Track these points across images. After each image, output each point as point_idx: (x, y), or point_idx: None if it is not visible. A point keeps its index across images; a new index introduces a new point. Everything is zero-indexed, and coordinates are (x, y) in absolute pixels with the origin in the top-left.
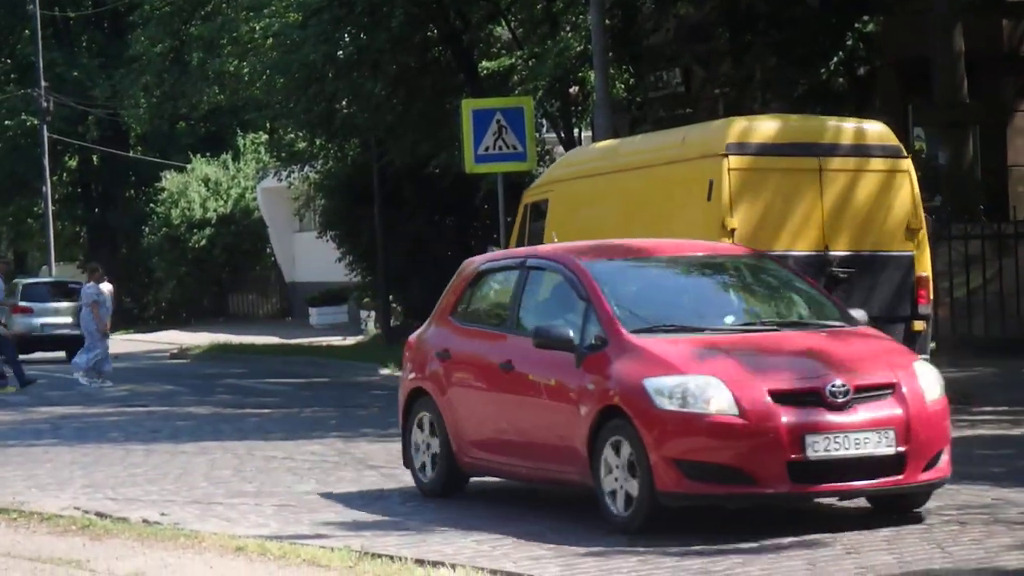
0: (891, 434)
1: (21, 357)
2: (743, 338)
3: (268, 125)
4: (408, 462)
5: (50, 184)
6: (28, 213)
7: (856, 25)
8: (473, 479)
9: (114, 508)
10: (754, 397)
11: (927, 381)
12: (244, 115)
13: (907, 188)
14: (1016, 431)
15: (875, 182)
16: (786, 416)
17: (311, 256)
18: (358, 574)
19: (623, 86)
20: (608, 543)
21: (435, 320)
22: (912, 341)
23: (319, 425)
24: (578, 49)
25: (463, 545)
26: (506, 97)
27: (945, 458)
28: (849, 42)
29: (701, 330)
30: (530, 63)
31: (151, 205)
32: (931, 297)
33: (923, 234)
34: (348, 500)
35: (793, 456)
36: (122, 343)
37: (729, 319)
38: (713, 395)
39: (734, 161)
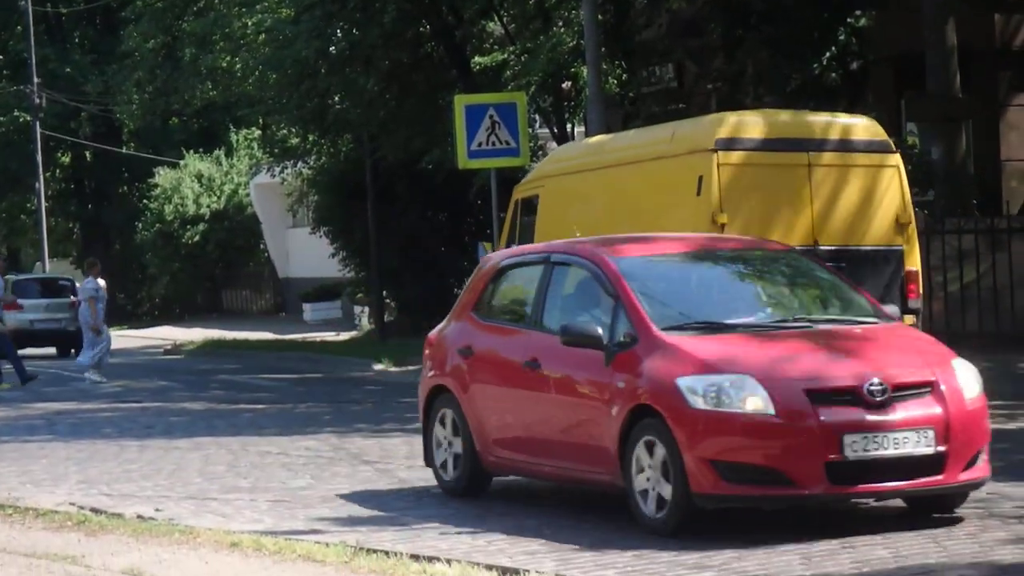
0: (930, 434)
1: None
2: (776, 335)
3: (261, 121)
4: (429, 461)
5: (43, 180)
6: (21, 209)
7: (849, 20)
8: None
9: (109, 504)
10: (790, 396)
11: (966, 379)
12: (237, 111)
13: (896, 183)
14: (1011, 425)
15: (864, 177)
16: (824, 415)
17: (304, 252)
18: (353, 569)
19: (616, 81)
20: (603, 538)
21: (456, 316)
22: None
23: (313, 421)
24: (571, 44)
25: (458, 540)
26: (499, 93)
27: (984, 458)
28: (842, 37)
29: (733, 327)
30: (523, 59)
31: (144, 201)
32: (921, 291)
33: (912, 228)
34: (343, 495)
35: (831, 456)
36: (116, 339)
37: (761, 316)
38: (748, 394)
39: (723, 156)
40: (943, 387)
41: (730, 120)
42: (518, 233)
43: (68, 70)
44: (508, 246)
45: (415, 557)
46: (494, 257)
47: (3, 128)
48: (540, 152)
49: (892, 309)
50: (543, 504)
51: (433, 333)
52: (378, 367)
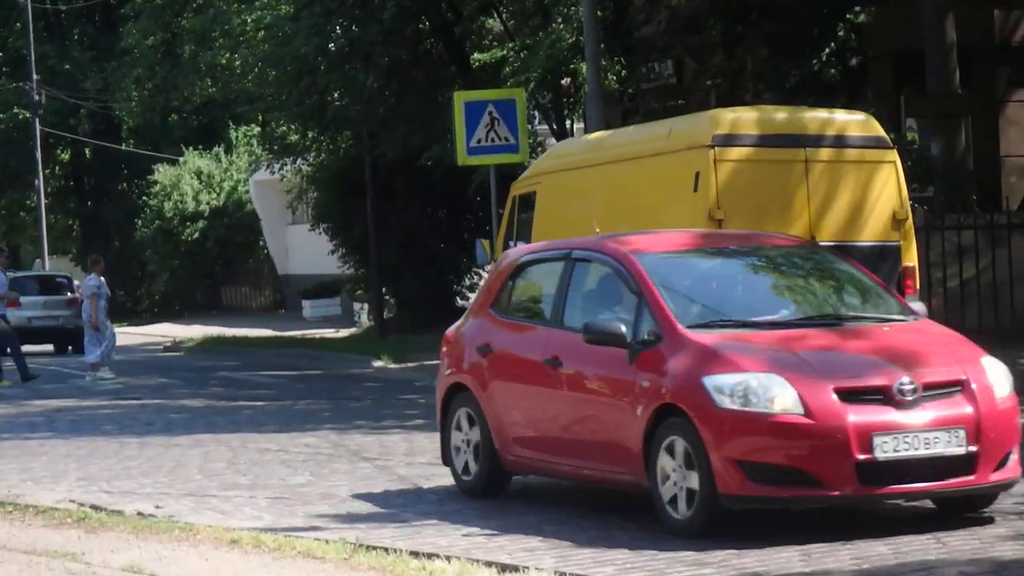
0: (961, 433)
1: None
2: (803, 333)
3: (260, 118)
4: (447, 460)
5: (42, 177)
6: (20, 206)
7: (848, 16)
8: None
9: (109, 501)
10: (820, 395)
11: (996, 377)
12: (236, 108)
13: (893, 179)
14: None
15: (861, 173)
16: (853, 415)
17: (304, 248)
18: (353, 566)
19: (615, 78)
20: (602, 535)
21: (473, 313)
22: None
23: (313, 417)
24: (570, 41)
25: (458, 537)
26: (498, 89)
27: (1014, 458)
28: (841, 33)
29: (758, 325)
30: (522, 55)
31: (144, 198)
32: (918, 287)
33: (909, 224)
34: (342, 492)
35: (861, 457)
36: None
37: (787, 313)
38: (777, 393)
39: (720, 153)
40: (974, 386)
41: (727, 116)
42: (516, 230)
43: (67, 67)
44: (506, 243)
45: (414, 554)
46: (513, 254)
47: (2, 125)
48: (539, 148)
49: (919, 306)
50: (543, 501)
51: (450, 330)
52: (377, 364)
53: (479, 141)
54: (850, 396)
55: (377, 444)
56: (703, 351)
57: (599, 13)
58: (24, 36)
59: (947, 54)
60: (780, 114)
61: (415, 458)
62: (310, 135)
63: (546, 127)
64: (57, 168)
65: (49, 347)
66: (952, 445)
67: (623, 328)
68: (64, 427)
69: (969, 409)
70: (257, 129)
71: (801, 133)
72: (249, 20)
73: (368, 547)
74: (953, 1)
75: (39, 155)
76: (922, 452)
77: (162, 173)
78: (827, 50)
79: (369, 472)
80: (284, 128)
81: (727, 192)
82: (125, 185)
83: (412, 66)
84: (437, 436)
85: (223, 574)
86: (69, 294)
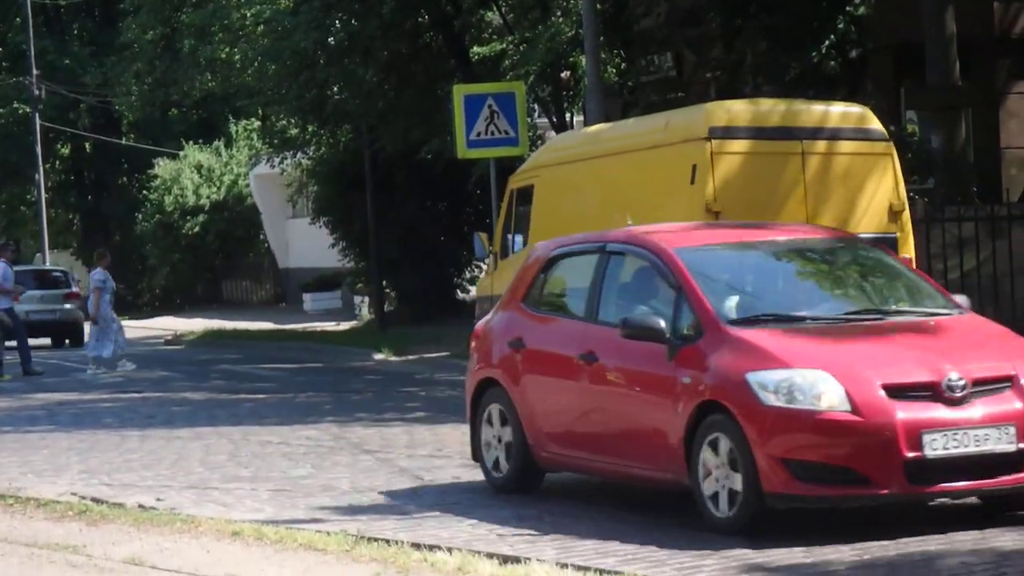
0: (1011, 430)
1: (7, 344)
2: (847, 328)
3: (260, 112)
4: (478, 456)
5: (43, 172)
6: (21, 201)
7: (848, 8)
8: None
9: (110, 494)
10: (867, 392)
11: None
12: (236, 102)
13: (890, 171)
14: None
15: (858, 165)
16: (902, 412)
17: (304, 242)
18: (355, 558)
19: (614, 71)
20: (604, 528)
21: (503, 307)
22: None
23: (314, 410)
24: (569, 34)
25: (459, 529)
26: (498, 82)
27: None
28: (841, 25)
29: (802, 319)
30: (521, 48)
31: (144, 192)
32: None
33: (906, 216)
34: (344, 485)
35: (910, 455)
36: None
37: (830, 307)
38: (823, 390)
39: (717, 145)
40: (1023, 381)
41: (724, 109)
42: (514, 223)
43: (67, 62)
44: (503, 236)
45: (416, 546)
46: (543, 247)
47: (2, 120)
48: (539, 141)
49: (962, 299)
50: (545, 495)
51: (479, 324)
52: (378, 357)
53: (479, 134)
54: (898, 393)
55: (378, 436)
56: (746, 347)
57: (598, 6)
58: (24, 31)
59: (947, 46)
60: (777, 107)
61: (416, 450)
62: (310, 129)
63: (546, 120)
64: (57, 163)
65: (46, 341)
66: (1002, 442)
67: (662, 323)
68: (65, 420)
69: (1019, 405)
70: (257, 123)
71: (798, 126)
72: (248, 14)
73: (370, 539)
74: None
75: (39, 150)
76: (972, 449)
77: (162, 167)
78: (827, 42)
79: (370, 464)
80: (284, 122)
81: (724, 185)
82: (125, 179)
83: (411, 60)
84: (437, 428)
85: (225, 566)
86: (66, 288)
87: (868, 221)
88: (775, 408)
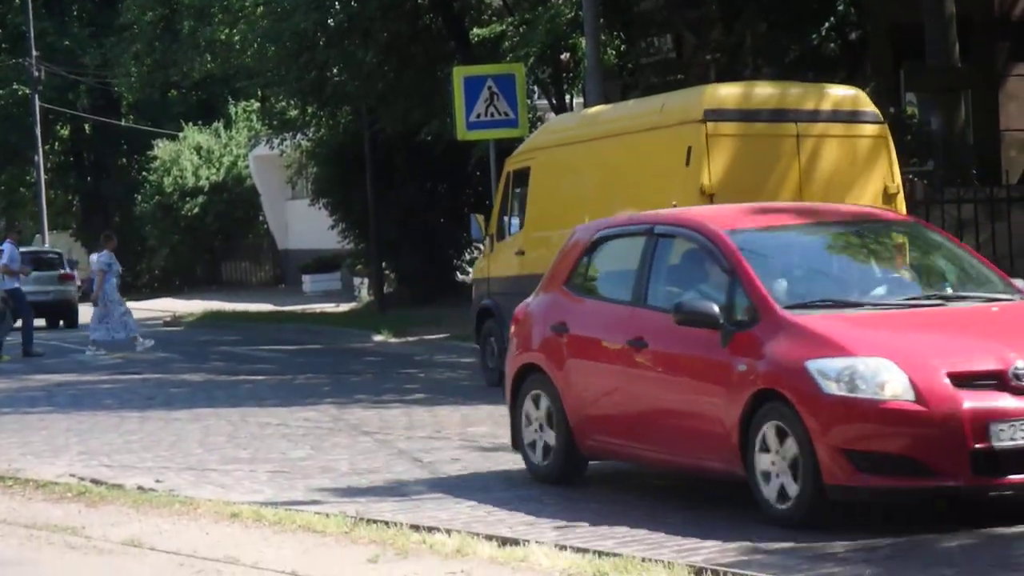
0: None
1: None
2: (909, 314)
3: (260, 93)
4: (517, 444)
5: (42, 153)
6: (20, 182)
7: None
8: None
9: (109, 475)
10: (932, 381)
11: None
12: (235, 83)
13: (884, 153)
14: None
15: (852, 147)
16: (968, 401)
17: (304, 224)
18: (353, 540)
19: (614, 53)
20: (603, 510)
21: (545, 290)
22: None
23: (313, 392)
24: (569, 16)
25: (458, 511)
26: (497, 64)
27: None
28: (840, 7)
29: (860, 305)
30: (521, 30)
31: (143, 173)
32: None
33: (900, 198)
34: (343, 466)
35: (977, 446)
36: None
37: (888, 292)
38: (887, 378)
39: (712, 127)
40: None
41: (719, 91)
42: (510, 205)
43: (66, 43)
44: (500, 218)
45: (415, 527)
46: (586, 228)
47: (2, 101)
48: (539, 123)
49: (1022, 283)
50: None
51: (519, 308)
52: (377, 338)
53: (478, 116)
54: (963, 381)
55: (377, 418)
56: (805, 333)
57: None
58: (23, 12)
59: (947, 28)
60: (772, 89)
61: (415, 432)
62: (309, 110)
63: (545, 102)
64: (57, 144)
65: (41, 322)
66: None
67: (716, 308)
68: (64, 401)
69: None
70: (256, 104)
71: (792, 108)
72: None
73: (368, 520)
74: None
75: (39, 131)
76: None
77: (162, 149)
78: (826, 24)
79: (369, 446)
80: (283, 103)
81: (719, 167)
82: (125, 160)
83: (411, 41)
84: (436, 410)
85: (223, 548)
86: (61, 270)
87: (862, 203)
88: (836, 397)
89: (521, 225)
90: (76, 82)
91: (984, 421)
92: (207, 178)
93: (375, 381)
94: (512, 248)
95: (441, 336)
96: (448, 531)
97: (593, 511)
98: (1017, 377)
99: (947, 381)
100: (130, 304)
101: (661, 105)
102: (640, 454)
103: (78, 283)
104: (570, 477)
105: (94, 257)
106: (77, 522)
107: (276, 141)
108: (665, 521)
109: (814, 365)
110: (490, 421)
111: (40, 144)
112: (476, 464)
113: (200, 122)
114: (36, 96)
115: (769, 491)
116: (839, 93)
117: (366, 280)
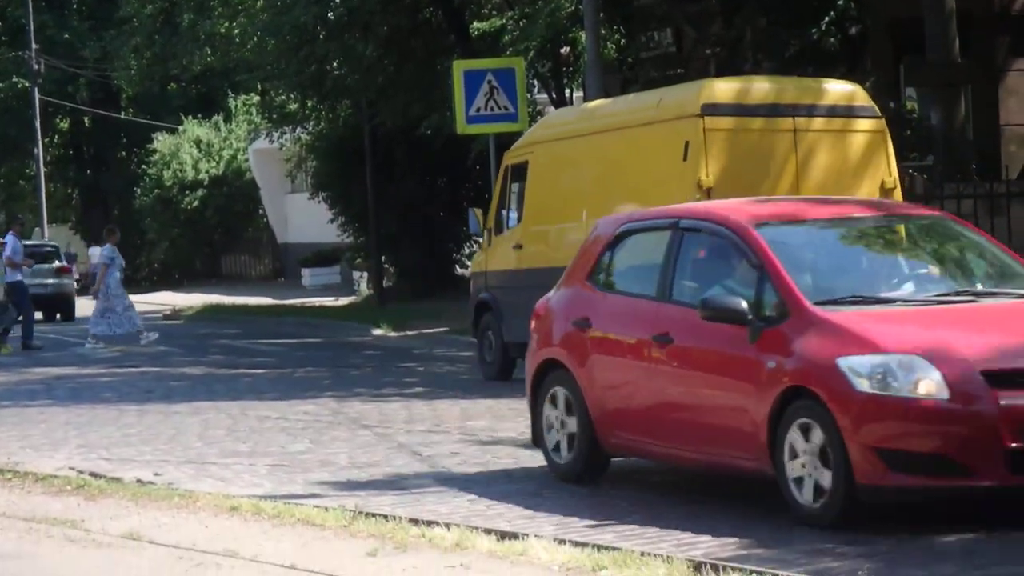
0: None
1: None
2: (941, 310)
3: (259, 86)
4: (539, 441)
5: (42, 146)
6: (20, 175)
7: None
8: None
9: (108, 468)
10: (966, 378)
11: None
12: (235, 77)
13: (882, 148)
14: None
15: (849, 142)
16: (1004, 399)
17: (303, 217)
18: (352, 533)
19: (614, 47)
20: (600, 504)
21: (567, 284)
22: None
23: (312, 385)
24: (569, 10)
25: (458, 505)
26: (497, 58)
27: None
28: (840, 2)
29: (891, 301)
30: (521, 24)
31: (143, 167)
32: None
33: (898, 193)
34: (342, 460)
35: (1013, 445)
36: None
37: (920, 288)
38: (920, 376)
39: (709, 122)
40: None
41: (716, 86)
42: (508, 199)
43: (66, 36)
44: (498, 212)
45: (414, 521)
46: (608, 222)
47: (2, 94)
48: (539, 117)
49: None
50: (543, 473)
51: (540, 303)
52: (377, 332)
53: (478, 110)
54: (998, 379)
55: (376, 412)
56: (836, 330)
57: None
58: (23, 5)
59: (947, 23)
60: (769, 84)
61: (414, 426)
62: (309, 104)
63: (545, 96)
64: (56, 137)
65: (38, 315)
66: None
67: (744, 304)
68: (63, 395)
69: None
70: (256, 98)
71: (790, 103)
72: None
73: (367, 514)
74: None
75: (38, 124)
76: None
77: (161, 142)
78: (826, 19)
79: (369, 440)
80: (283, 97)
81: (716, 161)
82: (124, 154)
83: (411, 35)
84: (436, 404)
85: (223, 541)
86: (57, 262)
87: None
88: (868, 395)
89: (519, 219)
90: (76, 75)
91: (1020, 419)
92: (207, 172)
93: (374, 375)
94: (510, 242)
95: (441, 330)
96: (447, 525)
97: (592, 505)
98: None
99: (981, 379)
100: (130, 297)
101: (659, 100)
102: (665, 451)
103: (77, 276)
104: (593, 475)
105: (96, 251)
106: (76, 515)
107: (276, 135)
108: (664, 515)
109: (845, 362)
110: (489, 415)
111: (40, 137)
112: (475, 458)
113: (200, 115)
114: (36, 89)
115: (799, 490)
116: (837, 89)
117: (366, 274)
